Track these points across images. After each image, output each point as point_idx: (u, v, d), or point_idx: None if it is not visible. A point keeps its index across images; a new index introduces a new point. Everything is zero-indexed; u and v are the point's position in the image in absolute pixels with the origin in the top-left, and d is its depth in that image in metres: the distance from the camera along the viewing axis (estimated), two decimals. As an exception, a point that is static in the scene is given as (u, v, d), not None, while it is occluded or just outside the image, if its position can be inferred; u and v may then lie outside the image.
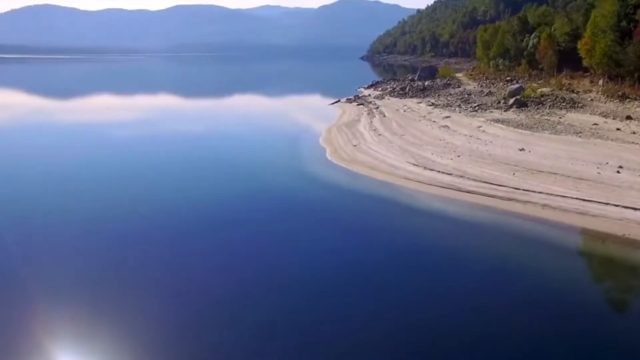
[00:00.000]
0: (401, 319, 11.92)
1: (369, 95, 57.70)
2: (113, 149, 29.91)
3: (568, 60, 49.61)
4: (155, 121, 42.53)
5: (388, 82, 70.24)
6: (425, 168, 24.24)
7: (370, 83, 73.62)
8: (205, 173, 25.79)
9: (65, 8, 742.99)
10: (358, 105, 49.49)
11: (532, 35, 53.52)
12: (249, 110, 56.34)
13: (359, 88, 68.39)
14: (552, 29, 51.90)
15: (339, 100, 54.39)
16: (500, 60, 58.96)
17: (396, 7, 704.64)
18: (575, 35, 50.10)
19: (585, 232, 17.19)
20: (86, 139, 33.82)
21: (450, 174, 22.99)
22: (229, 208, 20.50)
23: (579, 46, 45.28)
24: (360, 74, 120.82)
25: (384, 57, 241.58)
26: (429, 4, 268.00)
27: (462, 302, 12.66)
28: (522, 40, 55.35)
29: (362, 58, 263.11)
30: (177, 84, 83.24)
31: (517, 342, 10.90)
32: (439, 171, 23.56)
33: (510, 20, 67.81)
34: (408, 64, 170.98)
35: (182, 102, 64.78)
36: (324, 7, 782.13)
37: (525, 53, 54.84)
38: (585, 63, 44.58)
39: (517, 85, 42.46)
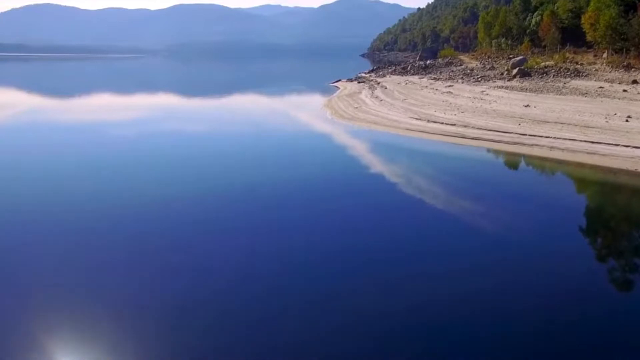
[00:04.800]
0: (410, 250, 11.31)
1: (370, 76, 57.12)
2: (133, 145, 22.92)
3: (571, 38, 49.01)
4: (175, 117, 34.98)
5: (389, 67, 69.67)
6: (428, 121, 23.66)
7: (371, 69, 73.15)
8: (223, 141, 23.84)
9: (65, 7, 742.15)
10: (359, 83, 48.91)
11: (535, 14, 52.94)
12: (255, 97, 55.14)
13: (359, 73, 67.80)
14: (555, 7, 51.33)
15: (339, 80, 53.88)
16: (503, 40, 58.37)
17: (396, 7, 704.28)
18: (578, 14, 49.52)
19: (595, 167, 16.55)
20: (103, 137, 27.06)
21: (454, 125, 22.42)
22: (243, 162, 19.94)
23: (582, 21, 44.68)
24: (360, 68, 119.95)
25: (385, 54, 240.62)
26: (430, 2, 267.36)
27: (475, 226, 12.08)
28: (524, 19, 54.68)
29: (362, 55, 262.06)
30: (184, 82, 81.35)
31: (532, 260, 10.21)
32: (442, 123, 22.99)
33: (513, 1, 67.31)
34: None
35: (192, 95, 62.12)
36: (324, 7, 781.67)
37: (527, 31, 54.20)
38: (589, 37, 43.91)
39: (520, 57, 41.87)
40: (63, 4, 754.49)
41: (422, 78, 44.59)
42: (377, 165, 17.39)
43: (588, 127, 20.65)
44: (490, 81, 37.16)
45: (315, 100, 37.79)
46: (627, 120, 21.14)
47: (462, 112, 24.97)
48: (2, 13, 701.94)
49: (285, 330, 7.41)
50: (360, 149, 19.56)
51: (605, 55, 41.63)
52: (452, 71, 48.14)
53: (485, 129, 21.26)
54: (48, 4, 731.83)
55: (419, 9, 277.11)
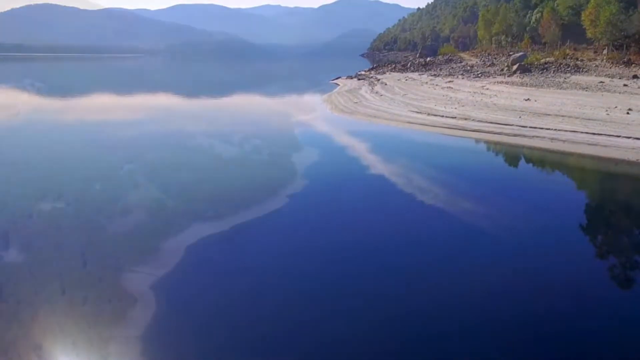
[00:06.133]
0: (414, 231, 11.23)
1: (370, 73, 57.07)
2: (133, 145, 21.04)
3: (571, 34, 49.01)
4: (178, 117, 32.29)
5: (389, 65, 69.60)
6: (428, 114, 23.60)
7: (370, 67, 73.10)
8: (225, 138, 23.29)
9: (65, 7, 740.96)
10: (359, 80, 48.83)
11: (535, 11, 52.95)
12: (255, 94, 54.93)
13: (359, 71, 67.70)
14: (555, 4, 51.34)
15: (339, 77, 53.79)
16: (503, 37, 58.33)
17: (396, 7, 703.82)
18: (579, 10, 49.54)
19: (596, 158, 16.48)
20: (105, 137, 24.18)
21: (455, 118, 22.36)
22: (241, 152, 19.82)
23: (582, 17, 44.69)
24: (360, 67, 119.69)
25: (384, 54, 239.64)
26: (430, 2, 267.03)
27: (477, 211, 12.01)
28: (524, 16, 54.66)
29: (362, 55, 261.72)
30: (186, 81, 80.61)
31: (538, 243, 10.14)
32: (442, 116, 22.92)
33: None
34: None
35: (194, 94, 61.09)
36: (324, 7, 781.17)
37: (527, 28, 54.18)
38: (589, 34, 43.94)
39: (520, 53, 41.83)
40: (63, 4, 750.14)
41: (422, 74, 44.54)
42: (377, 157, 17.30)
43: (589, 119, 20.61)
44: (491, 77, 37.10)
45: (315, 96, 37.72)
46: (627, 113, 21.11)
47: (463, 106, 24.92)
48: (2, 13, 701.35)
49: (288, 330, 7.22)
50: (360, 142, 19.48)
51: (605, 51, 41.59)
52: (452, 68, 48.06)
53: (486, 122, 21.20)
54: (48, 4, 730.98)
55: (418, 8, 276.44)
